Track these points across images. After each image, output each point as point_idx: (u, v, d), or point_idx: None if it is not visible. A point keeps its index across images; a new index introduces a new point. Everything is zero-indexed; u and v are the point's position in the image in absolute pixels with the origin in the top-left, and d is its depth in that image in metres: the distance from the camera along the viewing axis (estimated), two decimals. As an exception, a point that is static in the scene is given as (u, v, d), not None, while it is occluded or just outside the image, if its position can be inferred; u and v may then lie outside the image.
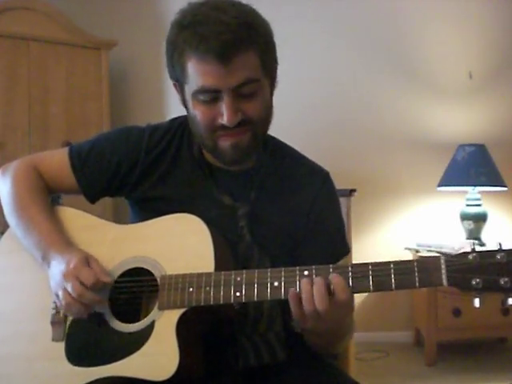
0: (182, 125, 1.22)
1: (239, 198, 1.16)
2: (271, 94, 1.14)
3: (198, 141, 1.17)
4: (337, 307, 0.94)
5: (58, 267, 1.07)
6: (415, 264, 0.91)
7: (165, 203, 1.17)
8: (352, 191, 2.71)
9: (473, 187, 3.20)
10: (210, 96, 1.05)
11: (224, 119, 1.05)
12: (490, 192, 3.31)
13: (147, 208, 1.19)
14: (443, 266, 0.90)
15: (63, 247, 1.10)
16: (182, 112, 1.25)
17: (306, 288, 0.94)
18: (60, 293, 1.05)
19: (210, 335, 1.08)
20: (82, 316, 1.06)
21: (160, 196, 1.18)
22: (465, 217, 3.20)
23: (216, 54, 1.00)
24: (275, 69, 1.14)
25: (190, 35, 1.02)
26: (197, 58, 1.03)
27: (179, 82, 1.12)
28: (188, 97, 1.10)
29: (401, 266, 0.92)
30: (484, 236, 3.20)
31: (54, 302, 1.10)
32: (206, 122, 1.08)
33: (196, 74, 1.05)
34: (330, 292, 0.94)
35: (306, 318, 0.96)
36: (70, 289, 1.03)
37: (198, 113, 1.08)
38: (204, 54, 1.01)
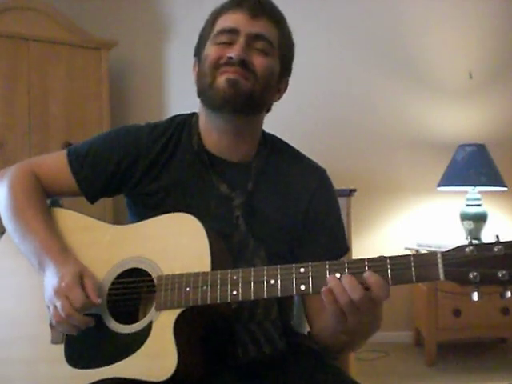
0: (181, 123, 1.23)
1: (236, 187, 1.17)
2: (279, 80, 1.18)
3: (198, 85, 1.17)
4: (372, 302, 0.91)
5: (50, 281, 1.06)
6: (412, 259, 0.90)
7: (163, 195, 1.17)
8: (352, 191, 2.71)
9: (473, 187, 3.20)
10: (228, 37, 1.12)
11: (232, 51, 1.10)
12: (490, 192, 3.30)
13: (147, 203, 1.19)
14: (440, 261, 0.88)
15: (59, 255, 1.09)
16: (182, 112, 1.26)
17: (335, 282, 0.91)
18: (51, 308, 1.05)
19: (209, 333, 1.07)
20: (71, 333, 1.06)
21: (159, 189, 1.18)
22: (465, 217, 3.20)
23: (248, 7, 1.12)
24: (289, 61, 1.21)
25: (228, 2, 1.17)
26: (229, 11, 1.15)
27: (199, 54, 1.18)
28: (207, 45, 1.15)
29: (397, 261, 0.91)
30: (484, 236, 3.19)
31: None
32: (215, 57, 1.12)
33: (222, 22, 1.14)
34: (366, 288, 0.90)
35: (345, 313, 0.93)
36: (59, 307, 1.03)
37: (210, 52, 1.14)
38: (237, 7, 1.14)
